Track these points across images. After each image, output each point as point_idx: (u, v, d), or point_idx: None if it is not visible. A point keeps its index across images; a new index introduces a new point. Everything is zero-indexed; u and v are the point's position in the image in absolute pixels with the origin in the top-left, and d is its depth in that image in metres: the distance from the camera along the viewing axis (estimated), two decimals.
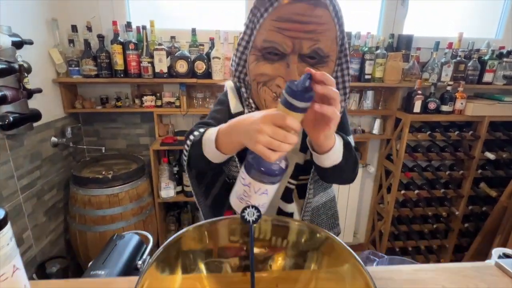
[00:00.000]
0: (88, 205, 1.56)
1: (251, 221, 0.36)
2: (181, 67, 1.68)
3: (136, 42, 1.66)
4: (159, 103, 1.83)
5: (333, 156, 0.52)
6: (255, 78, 0.58)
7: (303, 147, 0.63)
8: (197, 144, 0.56)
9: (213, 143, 0.52)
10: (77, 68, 1.66)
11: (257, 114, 0.45)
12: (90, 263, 0.61)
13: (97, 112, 1.81)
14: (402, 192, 2.03)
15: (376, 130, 2.05)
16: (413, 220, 2.13)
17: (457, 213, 2.02)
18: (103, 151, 1.84)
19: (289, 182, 0.66)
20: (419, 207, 2.07)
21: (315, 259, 0.37)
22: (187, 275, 0.37)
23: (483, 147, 1.93)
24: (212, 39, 1.76)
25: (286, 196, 0.67)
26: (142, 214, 1.71)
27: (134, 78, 1.69)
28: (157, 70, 1.68)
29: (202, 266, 0.38)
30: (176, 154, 1.97)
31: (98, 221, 1.58)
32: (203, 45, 1.74)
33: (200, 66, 1.71)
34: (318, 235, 0.39)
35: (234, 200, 0.51)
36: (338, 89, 0.59)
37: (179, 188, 1.89)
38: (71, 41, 1.65)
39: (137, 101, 1.83)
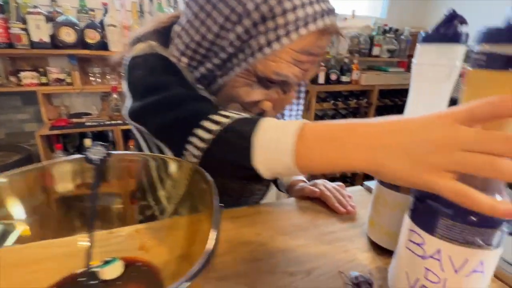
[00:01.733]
0: None
1: (96, 161, 0.30)
2: (67, 35, 1.43)
3: (1, 3, 1.34)
4: (44, 80, 1.53)
5: None
6: (237, 101, 0.47)
7: None
8: (234, 142, 0.32)
9: (289, 153, 0.28)
10: None
11: (429, 117, 0.23)
12: None
13: None
14: None
15: None
16: None
17: (359, 173, 2.32)
18: None
19: None
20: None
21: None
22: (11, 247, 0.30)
23: (375, 113, 2.22)
24: (105, 5, 1.54)
25: None
26: None
27: (2, 48, 1.37)
28: (35, 39, 1.39)
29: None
30: (75, 139, 1.71)
31: None
32: (94, 11, 1.52)
33: (92, 35, 1.48)
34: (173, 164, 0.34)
35: None
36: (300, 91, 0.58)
37: None
38: None
39: (12, 78, 1.50)
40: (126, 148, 1.68)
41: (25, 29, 1.37)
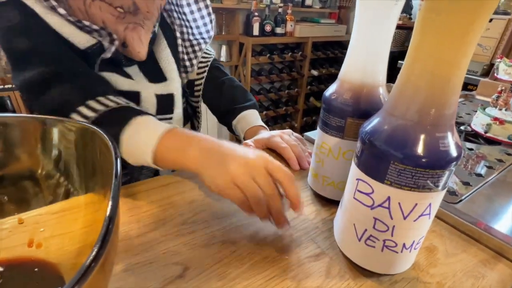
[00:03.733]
0: None
1: None
2: None
3: None
4: None
5: None
6: None
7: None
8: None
9: (149, 155, 0.35)
10: None
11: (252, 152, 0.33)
12: None
13: None
14: None
15: (223, 57, 2.01)
16: None
17: (296, 125, 2.39)
18: None
19: None
20: (268, 126, 2.31)
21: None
22: None
23: (309, 66, 2.24)
24: None
25: None
26: None
27: None
28: None
29: None
30: None
31: None
32: None
33: None
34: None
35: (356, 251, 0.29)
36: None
37: None
38: None
39: None
40: None
41: None
